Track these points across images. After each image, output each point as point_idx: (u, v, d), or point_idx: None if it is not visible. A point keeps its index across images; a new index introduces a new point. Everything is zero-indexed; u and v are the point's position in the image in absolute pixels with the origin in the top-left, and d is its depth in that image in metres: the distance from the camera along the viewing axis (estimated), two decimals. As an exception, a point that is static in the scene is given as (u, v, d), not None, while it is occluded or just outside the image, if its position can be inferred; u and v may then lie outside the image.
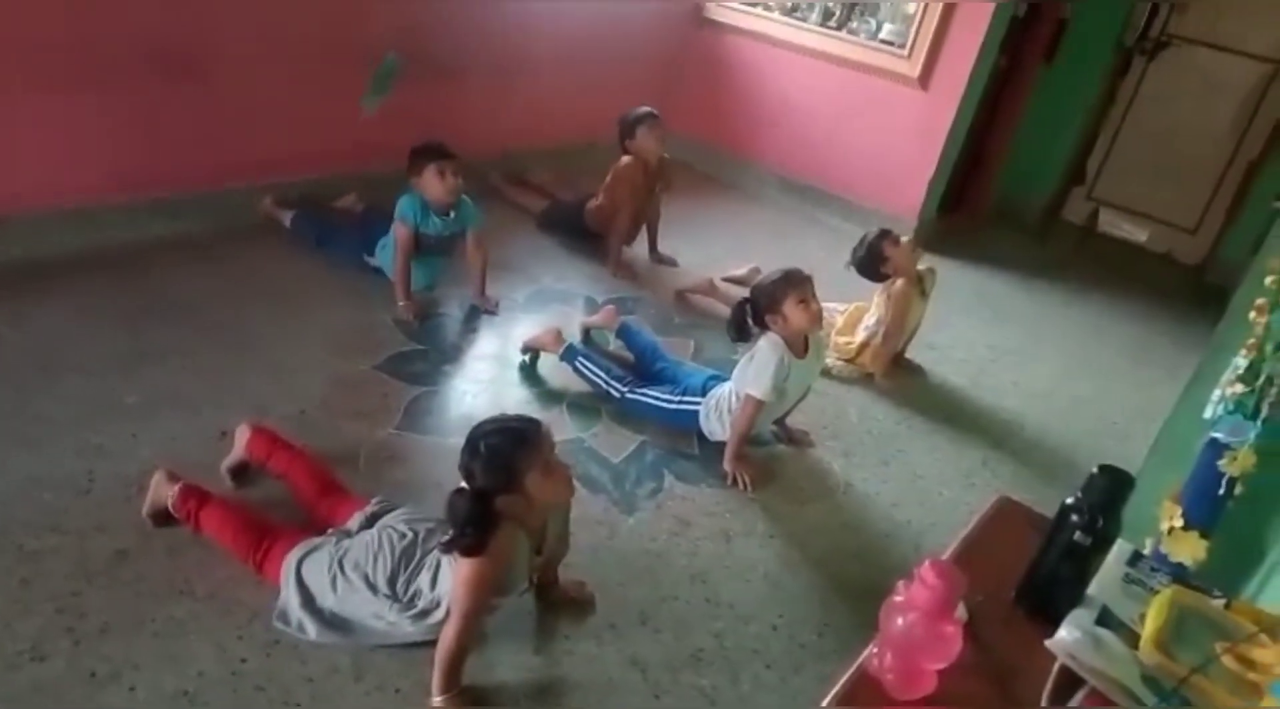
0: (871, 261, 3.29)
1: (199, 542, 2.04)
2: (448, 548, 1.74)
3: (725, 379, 2.79)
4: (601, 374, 2.89)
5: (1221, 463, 1.58)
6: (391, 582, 1.87)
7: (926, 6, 4.37)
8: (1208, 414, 1.65)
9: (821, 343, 2.87)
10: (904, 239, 3.29)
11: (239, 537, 1.98)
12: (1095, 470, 1.31)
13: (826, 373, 3.27)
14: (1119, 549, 1.38)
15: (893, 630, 1.19)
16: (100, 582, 1.93)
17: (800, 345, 2.66)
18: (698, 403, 2.78)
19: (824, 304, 2.74)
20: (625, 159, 3.80)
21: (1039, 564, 1.36)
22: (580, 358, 2.94)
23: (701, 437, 2.80)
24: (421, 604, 1.85)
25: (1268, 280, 1.60)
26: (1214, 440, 1.61)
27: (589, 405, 2.89)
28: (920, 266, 3.34)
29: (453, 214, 3.18)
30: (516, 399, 2.89)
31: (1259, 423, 1.56)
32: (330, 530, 2.03)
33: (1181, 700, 1.10)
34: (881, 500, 2.73)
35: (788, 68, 4.97)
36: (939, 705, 1.18)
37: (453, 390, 2.87)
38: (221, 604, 1.92)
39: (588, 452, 2.67)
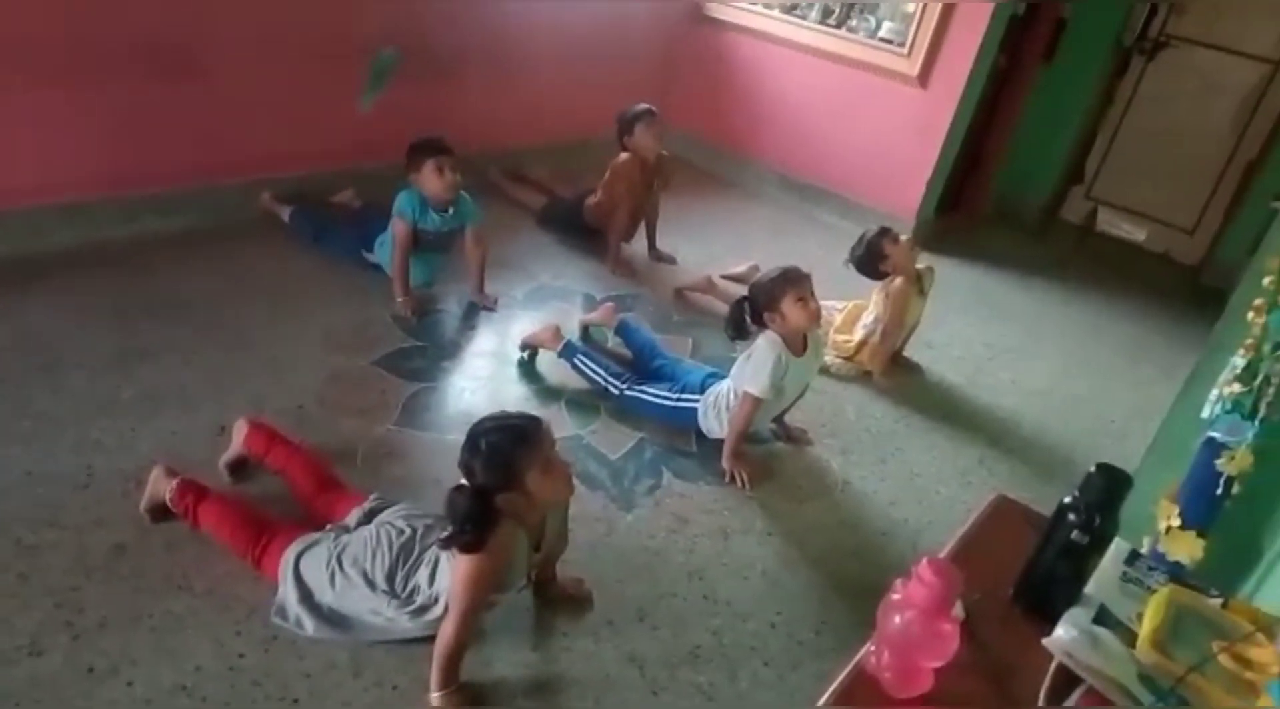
0: (870, 259, 3.29)
1: (197, 537, 2.04)
2: (446, 544, 1.74)
3: (723, 377, 2.79)
4: (600, 371, 2.89)
5: (1219, 462, 1.59)
6: (390, 578, 1.87)
7: (926, 5, 4.36)
8: (1205, 414, 1.65)
9: (820, 341, 2.88)
10: (903, 237, 3.30)
11: (237, 532, 1.98)
12: (1093, 469, 1.31)
13: (824, 371, 3.27)
14: (1116, 548, 1.38)
15: (890, 628, 1.19)
16: (98, 576, 1.93)
17: (798, 343, 2.66)
18: (696, 400, 2.78)
19: (822, 302, 2.74)
20: (623, 156, 3.80)
21: (1036, 563, 1.36)
22: (579, 355, 2.94)
23: (700, 434, 2.80)
24: (419, 600, 1.86)
25: (1265, 280, 1.60)
26: (1211, 440, 1.61)
27: (587, 402, 2.89)
28: (919, 265, 3.34)
29: (451, 210, 3.17)
30: (515, 396, 2.89)
31: (1256, 422, 1.57)
32: (328, 526, 2.03)
33: (1178, 699, 1.10)
34: (879, 498, 2.73)
35: (787, 65, 4.96)
36: (936, 704, 1.18)
37: (451, 387, 2.87)
38: (219, 599, 1.92)
39: (586, 448, 2.67)
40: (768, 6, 4.96)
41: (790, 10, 4.91)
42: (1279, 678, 1.11)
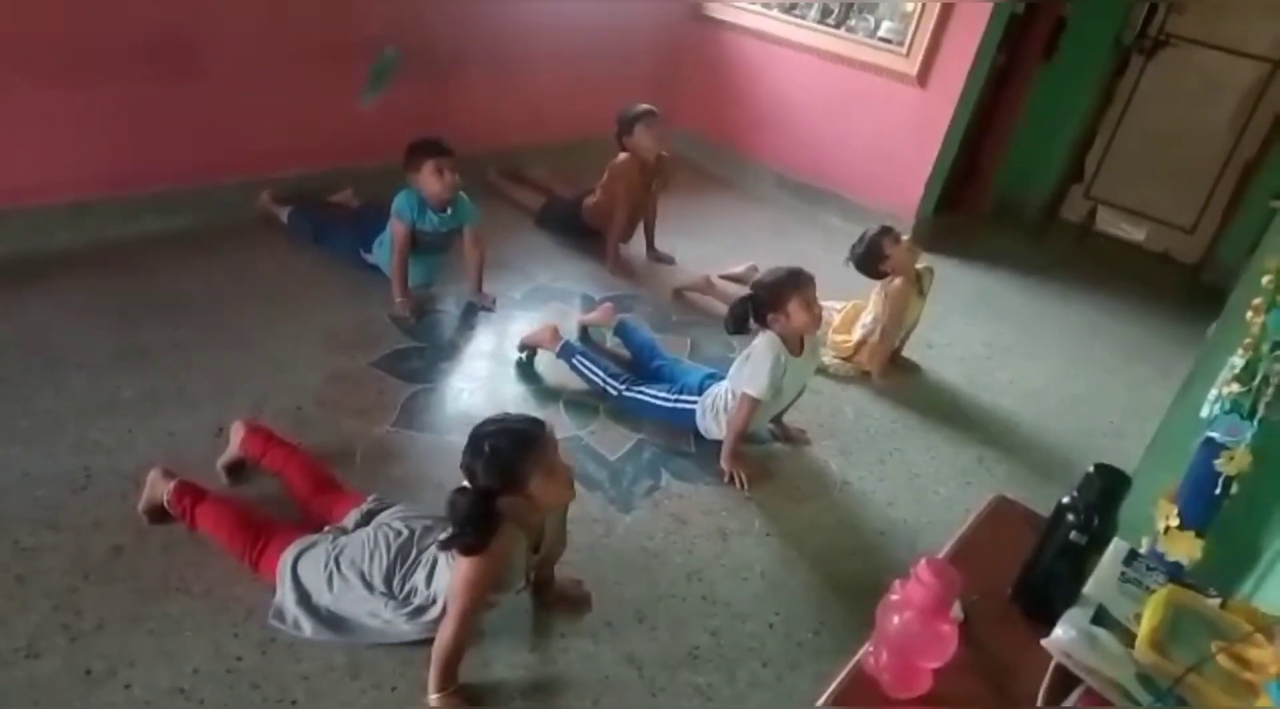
0: (871, 258, 3.29)
1: (194, 539, 2.04)
2: (446, 546, 1.73)
3: (721, 377, 2.78)
4: (598, 372, 2.89)
5: (1218, 462, 1.58)
6: (387, 580, 1.87)
7: (924, 4, 4.36)
8: (1204, 413, 1.65)
9: (817, 341, 2.87)
10: (904, 238, 3.29)
11: (234, 534, 1.98)
12: (1091, 469, 1.31)
13: (823, 371, 3.27)
14: (1115, 548, 1.38)
15: (889, 629, 1.19)
16: (96, 578, 1.93)
17: (796, 343, 2.66)
18: (694, 401, 2.78)
19: (821, 302, 2.74)
20: (622, 156, 3.80)
21: (1035, 563, 1.36)
22: (577, 355, 2.94)
23: (698, 435, 2.80)
24: (417, 601, 1.85)
25: (1264, 280, 1.60)
26: (1210, 440, 1.61)
27: (586, 403, 2.89)
28: (918, 265, 3.34)
29: (450, 211, 3.17)
30: (513, 396, 2.89)
31: (1255, 422, 1.57)
32: (326, 528, 2.03)
33: (1177, 700, 1.10)
34: (878, 499, 2.73)
35: (786, 65, 4.96)
36: (935, 704, 1.18)
37: (450, 387, 2.87)
38: (217, 601, 1.92)
39: (585, 449, 2.67)
40: (767, 6, 4.96)
41: (789, 10, 4.91)
42: (1277, 678, 1.10)
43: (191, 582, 1.96)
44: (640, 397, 2.83)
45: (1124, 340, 4.19)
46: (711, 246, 4.23)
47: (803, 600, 2.28)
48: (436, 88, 4.05)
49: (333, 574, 1.88)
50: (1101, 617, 1.26)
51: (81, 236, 3.16)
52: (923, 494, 2.79)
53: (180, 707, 1.71)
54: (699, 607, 2.18)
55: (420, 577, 1.86)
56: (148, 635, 1.82)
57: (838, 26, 4.74)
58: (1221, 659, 1.13)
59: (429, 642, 1.78)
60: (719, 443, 2.70)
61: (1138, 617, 1.24)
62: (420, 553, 1.88)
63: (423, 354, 2.99)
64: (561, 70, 4.61)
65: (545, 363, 3.04)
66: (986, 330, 4.00)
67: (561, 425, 2.74)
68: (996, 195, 5.51)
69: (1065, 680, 1.20)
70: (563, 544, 2.06)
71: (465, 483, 1.73)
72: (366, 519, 2.01)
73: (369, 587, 1.87)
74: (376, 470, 2.40)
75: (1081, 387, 3.67)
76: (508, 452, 1.71)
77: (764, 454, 2.83)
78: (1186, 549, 1.54)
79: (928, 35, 4.38)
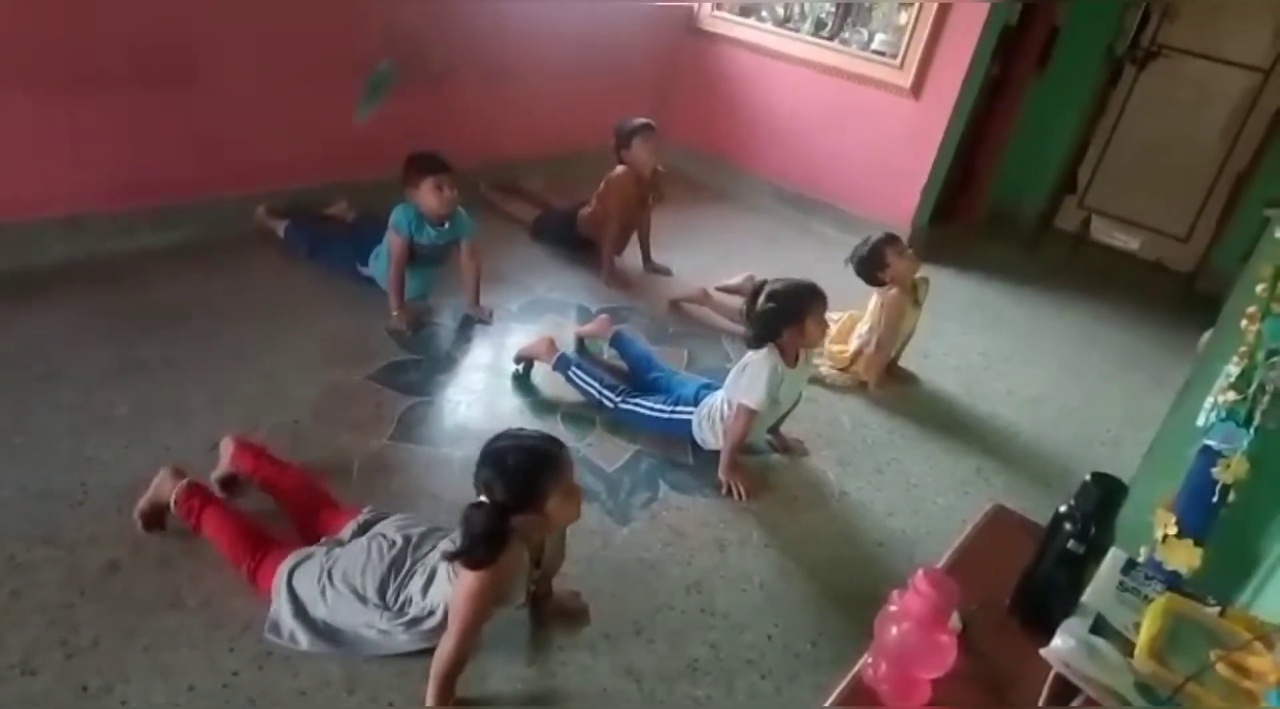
0: (872, 265, 3.28)
1: (191, 553, 2.03)
2: (453, 558, 1.72)
3: (717, 387, 2.79)
4: (594, 384, 2.89)
5: (1215, 470, 1.59)
6: (381, 591, 1.86)
7: (918, 17, 4.39)
8: (1200, 422, 1.65)
9: (811, 351, 2.87)
10: (908, 251, 3.29)
11: (235, 542, 1.97)
12: (1088, 478, 1.31)
13: (819, 381, 3.28)
14: (1113, 557, 1.38)
15: (887, 640, 1.19)
16: (92, 594, 1.91)
17: (792, 355, 2.67)
18: (690, 412, 2.78)
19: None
20: (619, 168, 3.81)
21: (1033, 572, 1.36)
22: (573, 367, 2.93)
23: (696, 446, 2.80)
24: (412, 612, 1.84)
25: (1258, 288, 1.61)
26: (1207, 448, 1.61)
27: (584, 415, 2.89)
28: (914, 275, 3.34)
29: (447, 224, 3.17)
30: (511, 408, 2.89)
31: (1251, 430, 1.57)
32: (323, 540, 2.02)
33: (1176, 708, 1.10)
34: (876, 509, 2.73)
35: (780, 78, 4.99)
36: (934, 715, 1.18)
37: (447, 400, 2.86)
38: (213, 616, 1.91)
39: (583, 461, 2.66)
40: (761, 19, 4.99)
41: (783, 23, 4.94)
42: (1277, 686, 1.10)
43: (187, 597, 1.95)
44: (636, 408, 2.83)
45: (1120, 349, 4.20)
46: (708, 258, 4.24)
47: (801, 611, 2.27)
48: (432, 101, 4.06)
49: (325, 586, 1.87)
50: (1100, 626, 1.26)
51: (77, 251, 3.15)
52: (921, 504, 2.78)
53: (176, 723, 1.70)
54: (697, 618, 2.18)
55: (416, 587, 1.85)
56: (143, 651, 1.81)
57: (831, 39, 4.77)
58: (1221, 668, 1.13)
59: (426, 655, 1.77)
60: (716, 454, 2.70)
61: (1136, 625, 1.24)
62: (415, 563, 1.87)
63: (420, 367, 2.98)
64: (557, 83, 4.63)
65: (542, 375, 3.04)
66: (983, 340, 4.00)
67: (559, 437, 2.72)
68: (991, 205, 5.53)
69: (1064, 690, 1.19)
70: (561, 557, 2.06)
71: (481, 498, 1.71)
72: (363, 530, 2.00)
73: (362, 599, 1.86)
74: (374, 484, 2.39)
75: (1078, 395, 3.67)
76: (531, 470, 1.72)
77: (762, 465, 2.83)
78: (1185, 557, 1.54)
79: (921, 47, 4.41)
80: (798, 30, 4.88)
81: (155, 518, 2.08)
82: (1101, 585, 1.34)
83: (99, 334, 2.78)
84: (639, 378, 3.03)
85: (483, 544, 1.66)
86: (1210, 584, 1.50)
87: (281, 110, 3.57)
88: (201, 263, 3.31)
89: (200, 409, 2.54)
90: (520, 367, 3.05)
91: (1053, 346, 4.10)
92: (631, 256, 4.08)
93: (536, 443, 1.79)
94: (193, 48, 3.23)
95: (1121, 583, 1.36)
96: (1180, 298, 4.98)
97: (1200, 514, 1.60)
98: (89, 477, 2.22)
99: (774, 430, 2.89)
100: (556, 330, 3.26)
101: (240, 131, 3.48)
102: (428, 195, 3.06)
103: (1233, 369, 1.61)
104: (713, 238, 4.57)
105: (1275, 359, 1.56)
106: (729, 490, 2.64)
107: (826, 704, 1.20)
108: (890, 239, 3.30)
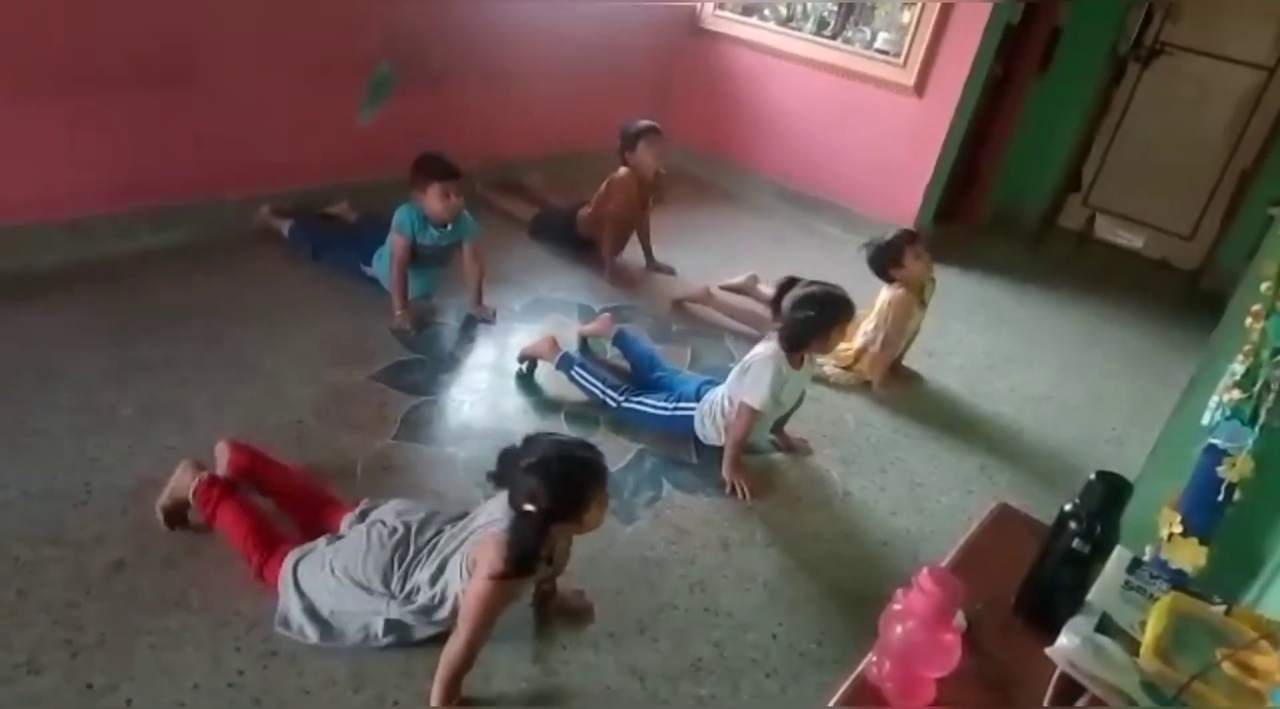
0: (887, 259, 3.26)
1: (195, 553, 2.03)
2: (504, 577, 1.68)
3: (718, 382, 2.79)
4: (597, 383, 2.89)
5: (1220, 469, 1.58)
6: (385, 579, 1.85)
7: (921, 16, 4.38)
8: (1206, 420, 1.65)
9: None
10: (925, 255, 3.28)
11: (249, 536, 1.97)
12: (1093, 477, 1.30)
13: (823, 380, 3.27)
14: (1118, 556, 1.38)
15: (892, 639, 1.18)
16: (97, 594, 1.92)
17: (798, 357, 2.67)
18: (692, 408, 2.78)
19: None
20: (622, 170, 3.81)
21: (1038, 571, 1.36)
22: (576, 367, 2.93)
23: (699, 445, 2.80)
24: (421, 600, 1.83)
25: (1263, 286, 1.60)
26: (1212, 446, 1.61)
27: (587, 414, 2.89)
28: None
29: (450, 226, 3.17)
30: (514, 408, 2.89)
31: (1257, 429, 1.57)
32: (326, 537, 2.02)
33: (1182, 707, 1.10)
34: (880, 508, 2.73)
35: (783, 77, 4.99)
36: (939, 714, 1.18)
37: (451, 400, 2.86)
38: (218, 616, 1.91)
39: (586, 460, 2.66)
40: (763, 18, 4.99)
41: (786, 22, 4.94)
42: (1283, 685, 1.10)
43: (192, 596, 1.95)
44: (639, 407, 2.83)
45: (1124, 347, 4.20)
46: (711, 257, 4.24)
47: (805, 610, 2.27)
48: (432, 101, 4.06)
49: (329, 578, 1.87)
50: (1105, 625, 1.25)
51: (79, 253, 3.16)
52: (925, 503, 2.78)
53: (181, 722, 1.70)
54: (701, 617, 2.18)
55: (424, 575, 1.83)
56: (149, 650, 1.82)
57: (834, 38, 4.76)
58: (1226, 666, 1.13)
59: (432, 653, 1.77)
60: (719, 452, 2.70)
61: (1142, 624, 1.24)
62: (419, 550, 1.87)
63: (423, 366, 2.99)
64: (558, 83, 4.63)
65: (546, 374, 3.04)
66: (987, 339, 4.00)
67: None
68: (995, 204, 5.53)
69: (1070, 689, 1.19)
70: (567, 557, 2.06)
71: (527, 506, 1.70)
72: (361, 519, 2.00)
73: (366, 588, 1.85)
74: (378, 484, 2.39)
75: (1082, 394, 3.67)
76: (581, 481, 1.73)
77: (765, 464, 2.83)
78: (1190, 556, 1.54)
79: (924, 46, 4.40)
80: (800, 29, 4.88)
81: (177, 513, 2.08)
82: (1107, 584, 1.34)
83: (100, 335, 2.78)
84: (642, 377, 3.03)
85: (532, 555, 1.69)
86: (1216, 583, 1.50)
87: (281, 111, 3.57)
88: (203, 264, 3.31)
89: (203, 410, 2.54)
90: (524, 366, 3.05)
91: (1057, 345, 4.09)
92: (633, 256, 4.07)
93: (583, 453, 1.79)
94: (193, 48, 3.24)
95: (1127, 582, 1.36)
96: (1184, 296, 4.97)
97: (1206, 513, 1.59)
98: (93, 477, 2.23)
99: (777, 429, 2.89)
100: (559, 329, 3.26)
101: (241, 132, 3.48)
102: (434, 200, 3.06)
103: (1238, 367, 1.60)
104: (716, 237, 4.57)
105: (1280, 357, 1.56)
106: (732, 489, 2.64)
107: (831, 703, 1.20)
108: (912, 238, 3.27)
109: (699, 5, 5.18)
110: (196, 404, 2.56)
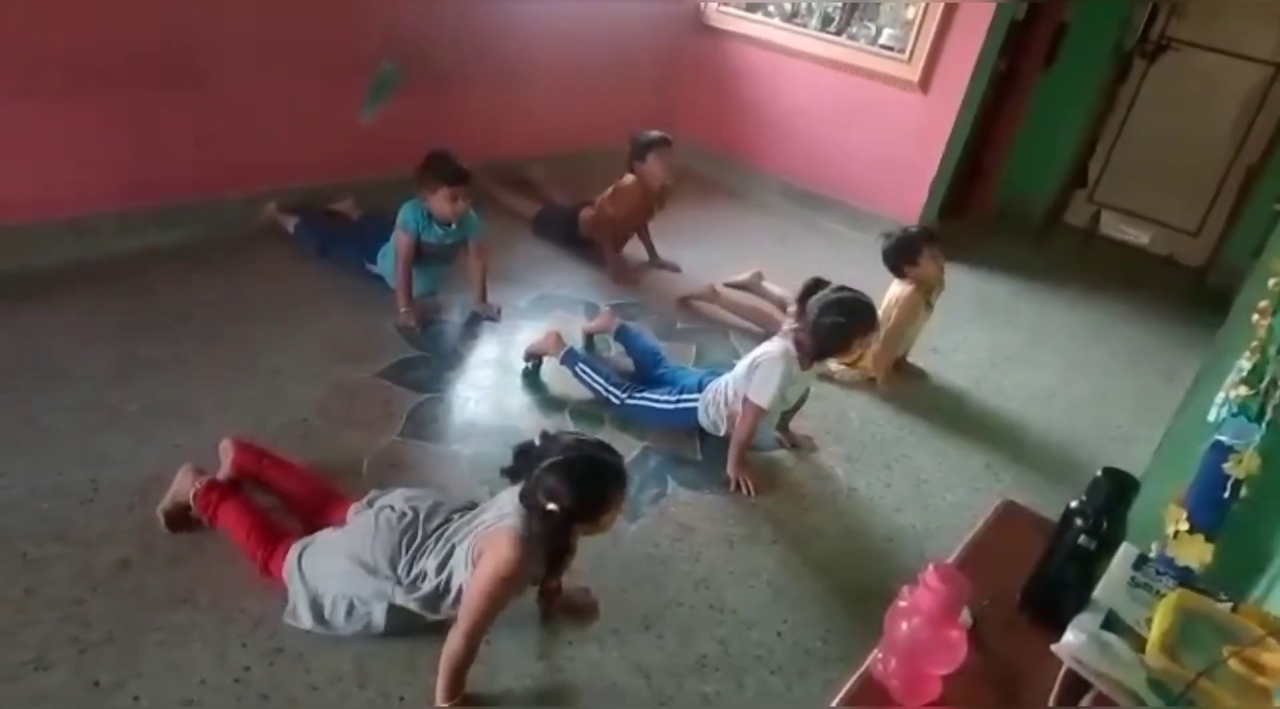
0: (903, 255, 3.26)
1: (202, 551, 2.04)
2: (543, 580, 1.85)
3: (720, 373, 2.79)
4: (600, 380, 2.89)
5: (1226, 465, 1.58)
6: (392, 562, 1.85)
7: (926, 11, 4.37)
8: (1212, 417, 1.64)
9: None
10: (940, 257, 3.27)
11: (251, 533, 1.98)
12: (1099, 473, 1.30)
13: (828, 377, 3.27)
14: (1124, 553, 1.38)
15: (897, 636, 1.18)
16: (104, 590, 1.92)
17: (807, 358, 2.66)
18: (695, 399, 2.78)
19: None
20: (629, 178, 3.80)
21: (1044, 568, 1.36)
22: (580, 363, 2.93)
23: (704, 441, 2.80)
24: (426, 588, 1.84)
25: (1270, 283, 1.60)
26: (1219, 443, 1.60)
27: (592, 411, 2.89)
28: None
29: (455, 225, 3.18)
30: (519, 405, 2.89)
31: (1263, 425, 1.56)
32: (330, 528, 2.02)
33: (1188, 704, 1.10)
34: (885, 505, 2.72)
35: (788, 73, 4.98)
36: (945, 711, 1.18)
37: (456, 396, 2.87)
38: (224, 613, 1.92)
39: (590, 458, 2.66)
40: (768, 15, 4.98)
41: (790, 18, 4.93)
42: (1290, 682, 1.10)
43: (199, 593, 1.96)
44: (643, 403, 2.83)
45: (1130, 344, 4.19)
46: (716, 255, 4.23)
47: (810, 607, 2.27)
48: (435, 100, 4.06)
49: (334, 563, 1.87)
50: (1111, 621, 1.25)
51: (83, 251, 3.16)
52: (930, 500, 2.78)
53: (188, 718, 1.71)
54: (706, 614, 2.18)
55: (431, 562, 1.84)
56: (156, 647, 1.82)
57: (839, 34, 4.76)
58: (1233, 663, 1.13)
59: (436, 649, 1.78)
60: (724, 449, 2.70)
61: (1148, 621, 1.23)
62: (427, 537, 1.87)
63: (428, 364, 2.99)
64: (562, 81, 4.63)
65: (551, 371, 3.04)
66: (992, 335, 3.99)
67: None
68: (1000, 201, 5.52)
69: (1076, 686, 1.19)
70: (573, 553, 2.06)
71: (549, 506, 1.70)
72: (369, 507, 2.00)
73: (371, 570, 1.85)
74: (384, 481, 2.39)
75: (1088, 391, 3.66)
76: (605, 484, 1.75)
77: (770, 461, 2.83)
78: (1196, 553, 1.53)
79: (929, 42, 4.39)
80: (805, 26, 4.87)
81: (179, 518, 2.09)
82: (1113, 581, 1.33)
83: (104, 334, 2.79)
84: (645, 373, 3.03)
85: (559, 558, 1.74)
86: (1222, 580, 1.49)
87: (284, 110, 3.57)
88: (207, 262, 3.32)
89: (208, 407, 2.55)
90: (529, 363, 3.05)
91: (1062, 342, 4.08)
92: (634, 253, 4.07)
93: (607, 456, 1.80)
94: (195, 47, 3.24)
95: (1133, 578, 1.35)
96: (1191, 293, 4.96)
97: (1212, 509, 1.59)
98: (99, 474, 2.23)
99: (782, 426, 2.89)
100: (564, 326, 3.25)
101: (243, 131, 3.48)
102: (441, 202, 3.06)
103: (1244, 364, 1.60)
104: (721, 234, 4.56)
105: (1287, 354, 1.56)
106: (737, 486, 2.64)
107: (836, 700, 1.20)
108: (931, 237, 3.26)
109: (703, 2, 5.17)
110: (202, 402, 2.57)
